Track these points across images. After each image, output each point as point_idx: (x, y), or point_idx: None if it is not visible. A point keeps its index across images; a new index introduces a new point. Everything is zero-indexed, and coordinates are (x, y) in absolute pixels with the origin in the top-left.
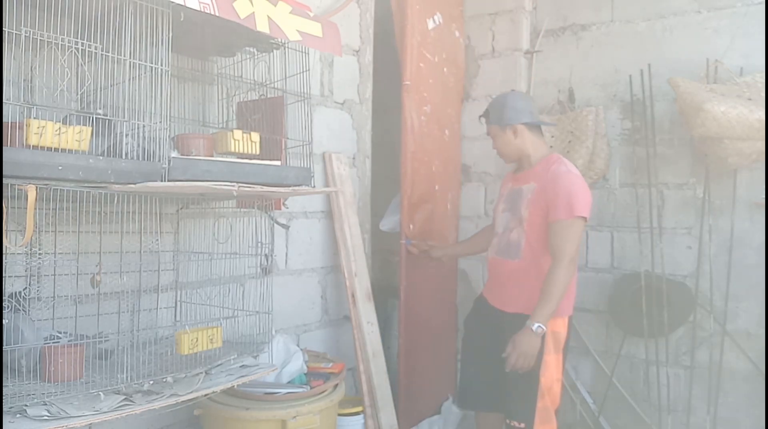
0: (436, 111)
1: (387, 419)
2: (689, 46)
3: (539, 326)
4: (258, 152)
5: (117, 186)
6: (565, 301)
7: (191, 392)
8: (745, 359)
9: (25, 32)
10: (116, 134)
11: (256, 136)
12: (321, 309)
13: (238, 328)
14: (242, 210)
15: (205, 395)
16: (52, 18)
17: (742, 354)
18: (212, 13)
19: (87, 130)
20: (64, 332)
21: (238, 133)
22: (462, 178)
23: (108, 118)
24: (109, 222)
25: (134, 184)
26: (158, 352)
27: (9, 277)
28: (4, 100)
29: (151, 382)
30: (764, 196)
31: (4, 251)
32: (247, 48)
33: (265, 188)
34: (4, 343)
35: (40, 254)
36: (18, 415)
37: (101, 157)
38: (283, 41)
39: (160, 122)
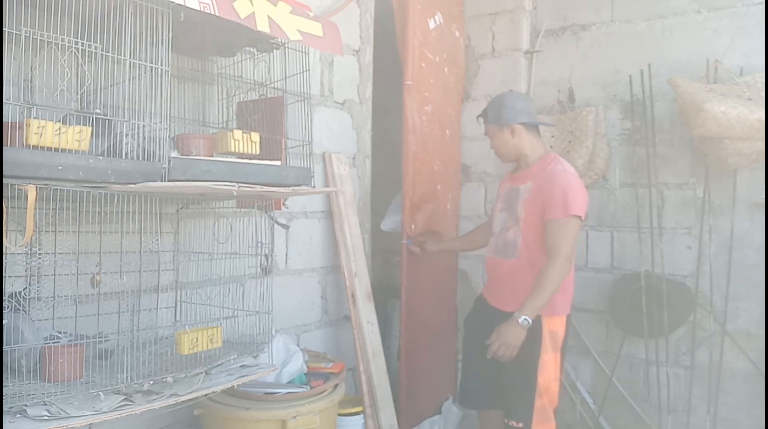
0: (437, 111)
1: (387, 419)
2: (689, 46)
3: (525, 319)
4: (258, 152)
5: (117, 186)
6: (563, 299)
7: (191, 392)
8: (745, 359)
9: (25, 32)
10: (116, 134)
11: (256, 136)
12: (321, 309)
13: (238, 328)
14: (242, 210)
15: (205, 395)
16: (52, 18)
17: (742, 354)
18: (212, 13)
19: (87, 130)
20: (64, 332)
21: (238, 133)
22: (462, 178)
23: (108, 118)
24: (109, 222)
25: (134, 184)
26: (158, 352)
27: (9, 277)
28: (4, 100)
29: (151, 382)
30: (764, 196)
31: (4, 251)
32: (247, 48)
33: (265, 188)
34: (4, 343)
35: (40, 254)
36: (18, 415)
37: (101, 157)
38: (283, 41)
39: (160, 122)
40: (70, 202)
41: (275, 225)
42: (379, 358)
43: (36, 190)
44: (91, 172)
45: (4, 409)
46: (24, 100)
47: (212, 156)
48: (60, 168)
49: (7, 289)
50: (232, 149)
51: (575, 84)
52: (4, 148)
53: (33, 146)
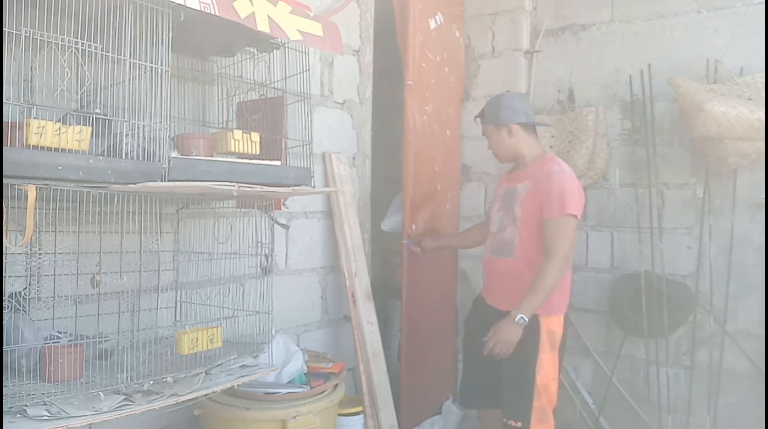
0: (437, 111)
1: (387, 419)
2: (689, 46)
3: (521, 317)
4: (258, 152)
5: (117, 186)
6: (560, 299)
7: (191, 392)
8: (745, 359)
9: (25, 32)
10: (116, 134)
11: (256, 136)
12: (321, 309)
13: (238, 328)
14: (242, 210)
15: (205, 395)
16: (52, 18)
17: (742, 354)
18: (212, 13)
19: (87, 130)
20: (64, 332)
21: (238, 133)
22: (462, 178)
23: (108, 118)
24: (109, 222)
25: (134, 184)
26: (158, 352)
27: (9, 277)
28: (4, 100)
29: (151, 382)
30: (764, 196)
31: (4, 251)
32: (247, 48)
33: (265, 188)
34: (4, 343)
35: (40, 254)
36: (18, 415)
37: (101, 157)
38: (283, 41)
39: (160, 122)
40: (70, 202)
41: (275, 225)
42: (379, 358)
43: (36, 190)
44: (91, 172)
45: (4, 409)
46: (24, 100)
47: (212, 156)
48: (60, 168)
49: (7, 289)
50: (232, 149)
51: (575, 84)
52: (4, 148)
53: (33, 146)
